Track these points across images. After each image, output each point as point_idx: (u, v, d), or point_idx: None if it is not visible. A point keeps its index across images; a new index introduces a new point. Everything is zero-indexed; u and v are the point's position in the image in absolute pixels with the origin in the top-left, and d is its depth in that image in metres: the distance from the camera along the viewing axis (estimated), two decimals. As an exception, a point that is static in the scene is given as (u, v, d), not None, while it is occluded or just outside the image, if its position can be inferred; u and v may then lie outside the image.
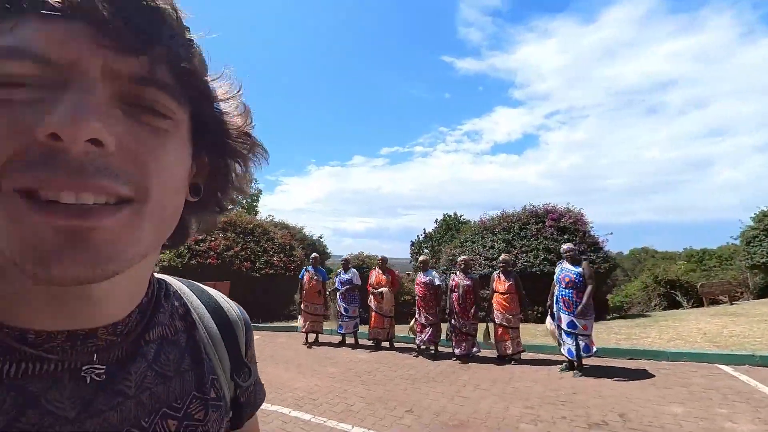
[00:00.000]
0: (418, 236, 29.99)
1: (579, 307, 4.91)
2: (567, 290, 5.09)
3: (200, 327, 0.49)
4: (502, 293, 5.84)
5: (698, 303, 12.59)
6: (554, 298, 5.28)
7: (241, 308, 0.60)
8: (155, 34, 0.30)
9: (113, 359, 0.37)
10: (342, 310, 7.50)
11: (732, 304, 11.82)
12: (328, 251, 34.11)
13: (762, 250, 14.14)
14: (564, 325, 5.05)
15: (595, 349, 5.03)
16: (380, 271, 7.35)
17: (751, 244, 14.56)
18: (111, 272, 0.30)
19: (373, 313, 7.17)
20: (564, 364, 5.24)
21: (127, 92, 0.31)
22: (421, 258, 7.07)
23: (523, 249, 11.03)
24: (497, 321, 5.80)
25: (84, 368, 0.34)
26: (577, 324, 4.94)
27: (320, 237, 32.84)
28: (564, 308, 5.07)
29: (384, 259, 7.51)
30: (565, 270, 5.21)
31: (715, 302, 12.22)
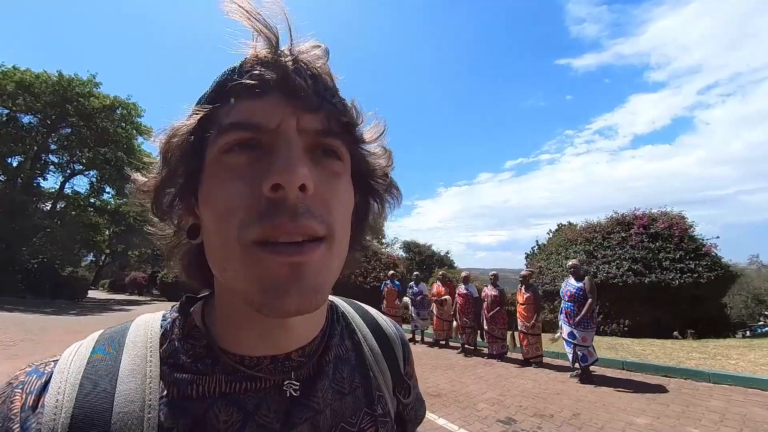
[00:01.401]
0: (532, 248, 28.87)
1: (577, 318, 5.31)
2: (569, 303, 5.51)
3: (365, 345, 0.53)
4: (521, 303, 6.45)
5: None
6: (560, 310, 5.72)
7: (398, 325, 0.63)
8: (325, 96, 0.38)
9: (303, 377, 0.43)
10: (414, 314, 9.09)
11: None
12: (455, 265, 35.24)
13: None
14: (565, 335, 5.49)
15: (595, 359, 5.31)
16: (440, 284, 8.65)
17: None
18: (320, 301, 0.36)
19: (435, 318, 8.51)
20: (576, 371, 5.60)
21: (313, 143, 0.38)
22: (462, 274, 8.06)
23: (605, 259, 10.52)
24: (519, 328, 6.42)
25: (285, 383, 0.41)
26: (576, 335, 5.34)
27: (447, 252, 34.48)
28: (565, 319, 5.51)
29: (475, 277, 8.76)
30: (568, 284, 5.62)
31: None
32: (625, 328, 9.67)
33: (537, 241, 28.74)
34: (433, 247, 33.52)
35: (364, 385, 0.49)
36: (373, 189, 0.48)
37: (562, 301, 5.68)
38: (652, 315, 9.49)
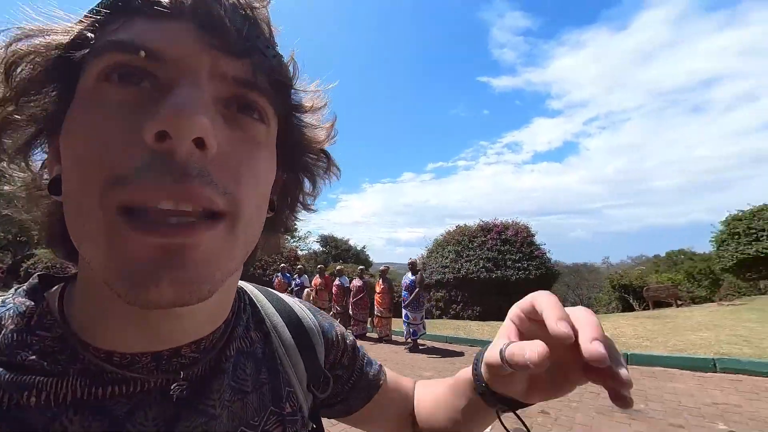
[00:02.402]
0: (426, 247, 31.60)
1: (407, 301, 6.91)
2: (405, 292, 7.10)
3: (275, 336, 0.45)
4: (378, 293, 7.93)
5: (649, 306, 13.05)
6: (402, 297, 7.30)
7: (323, 314, 0.55)
8: (256, 41, 0.30)
9: (196, 376, 0.34)
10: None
11: (678, 306, 12.21)
12: (371, 260, 36.78)
13: (729, 254, 14.08)
14: (402, 316, 7.07)
15: (422, 333, 6.96)
16: (318, 276, 9.77)
17: (721, 248, 14.50)
18: (206, 293, 0.28)
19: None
20: (408, 343, 7.19)
21: (229, 95, 0.30)
22: (337, 268, 9.40)
23: (468, 258, 12.69)
24: (375, 313, 7.90)
25: (172, 387, 0.32)
26: (409, 315, 6.92)
27: (363, 247, 35.80)
28: (403, 304, 7.08)
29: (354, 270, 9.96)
30: (406, 277, 7.22)
31: (660, 305, 12.62)
32: (477, 314, 11.86)
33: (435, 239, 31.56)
34: (351, 242, 34.61)
35: (272, 381, 0.41)
36: (305, 165, 0.41)
37: (402, 290, 7.26)
38: (496, 304, 11.81)
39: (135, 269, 0.25)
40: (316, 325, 0.52)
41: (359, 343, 0.60)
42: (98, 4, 0.29)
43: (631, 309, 13.38)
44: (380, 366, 0.60)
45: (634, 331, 7.73)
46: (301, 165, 0.42)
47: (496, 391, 0.42)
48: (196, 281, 0.27)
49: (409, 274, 7.20)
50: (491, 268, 12.03)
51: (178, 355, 0.34)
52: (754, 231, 13.59)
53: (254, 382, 0.39)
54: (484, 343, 0.48)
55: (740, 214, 14.61)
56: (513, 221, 13.40)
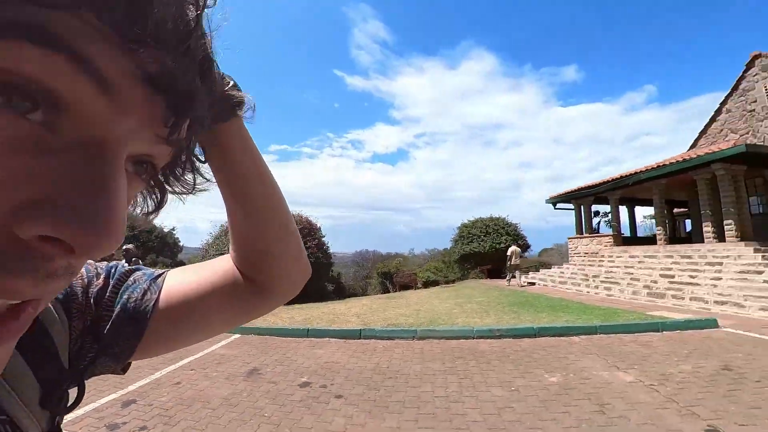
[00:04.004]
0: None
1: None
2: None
3: None
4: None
5: (403, 288, 16.29)
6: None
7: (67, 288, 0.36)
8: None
9: None
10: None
11: (416, 289, 15.67)
12: (180, 244, 32.53)
13: (457, 250, 18.83)
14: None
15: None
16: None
17: (455, 245, 19.22)
18: None
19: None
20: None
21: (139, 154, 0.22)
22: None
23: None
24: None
25: None
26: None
27: (172, 229, 31.15)
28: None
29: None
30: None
31: (406, 287, 16.00)
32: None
33: (221, 226, 30.43)
34: (161, 226, 29.92)
35: None
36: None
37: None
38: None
39: None
40: (55, 308, 0.34)
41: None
42: None
43: (387, 291, 16.22)
44: (151, 280, 0.41)
45: (349, 310, 9.40)
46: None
47: None
48: None
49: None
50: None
51: None
52: (470, 235, 18.56)
53: None
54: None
55: (468, 222, 19.66)
56: (297, 213, 14.22)
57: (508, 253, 13.55)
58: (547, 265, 17.94)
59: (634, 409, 3.05)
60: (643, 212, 25.42)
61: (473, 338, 5.73)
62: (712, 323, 5.82)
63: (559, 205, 16.93)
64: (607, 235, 13.90)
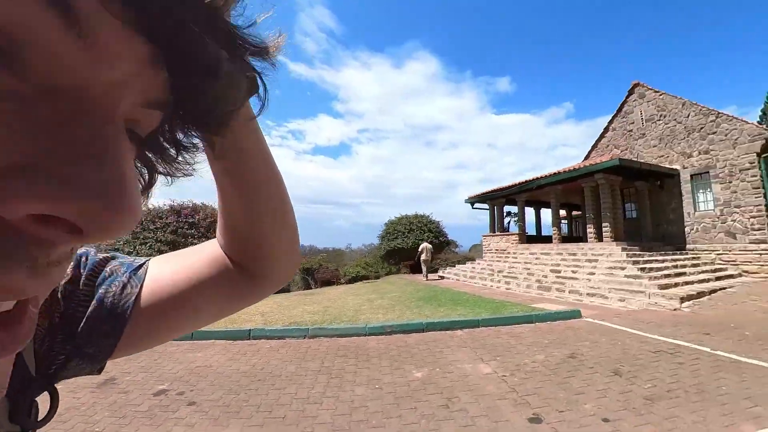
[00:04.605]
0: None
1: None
2: None
3: None
4: None
5: (325, 284, 16.01)
6: None
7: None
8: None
9: None
10: None
11: (337, 285, 15.52)
12: None
13: (384, 246, 19.07)
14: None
15: None
16: None
17: (383, 242, 19.42)
18: None
19: None
20: None
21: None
22: None
23: (143, 240, 11.49)
24: None
25: None
26: None
27: None
28: None
29: None
30: None
31: (328, 283, 15.80)
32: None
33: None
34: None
35: None
36: None
37: None
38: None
39: None
40: None
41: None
42: None
43: (309, 287, 15.82)
44: (130, 272, 0.36)
45: (256, 308, 8.94)
46: None
47: None
48: None
49: None
50: (164, 251, 11.28)
51: None
52: (395, 232, 18.88)
53: None
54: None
55: (394, 219, 19.96)
56: (202, 203, 13.13)
57: (420, 249, 14.01)
58: (474, 260, 18.96)
59: (477, 401, 3.17)
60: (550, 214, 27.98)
61: (365, 335, 5.69)
62: (576, 314, 6.47)
63: (476, 205, 17.94)
64: (514, 234, 15.03)
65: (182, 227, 12.01)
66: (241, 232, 0.39)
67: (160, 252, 11.77)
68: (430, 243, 18.25)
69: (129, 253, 10.04)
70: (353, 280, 18.06)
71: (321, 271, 14.96)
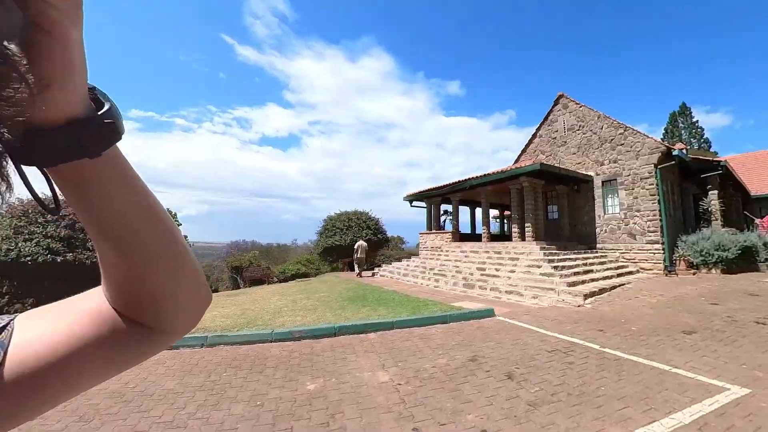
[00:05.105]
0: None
1: None
2: None
3: None
4: None
5: (256, 284, 15.11)
6: None
7: None
8: None
9: None
10: None
11: (269, 284, 14.74)
12: None
13: (321, 243, 18.48)
14: None
15: None
16: None
17: (320, 238, 18.80)
18: None
19: None
20: None
21: None
22: None
23: (29, 236, 9.85)
24: None
25: None
26: None
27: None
28: None
29: None
30: None
31: (259, 282, 14.98)
32: (29, 306, 9.33)
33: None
34: None
35: None
36: None
37: None
38: (67, 291, 9.77)
39: None
40: None
41: None
42: None
43: (238, 287, 14.81)
44: None
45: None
46: None
47: None
48: None
49: None
50: (60, 250, 9.78)
51: None
52: (333, 228, 18.41)
53: None
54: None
55: (333, 215, 19.45)
56: None
57: (355, 246, 13.76)
58: (410, 258, 19.04)
59: (360, 416, 2.92)
60: (493, 213, 29.18)
61: (270, 342, 5.24)
62: (489, 313, 6.59)
63: (414, 203, 18.07)
64: (448, 232, 15.35)
65: (77, 221, 10.51)
66: (126, 285, 0.33)
67: (50, 250, 10.13)
68: (369, 240, 18.08)
69: (8, 251, 8.56)
70: (293, 277, 17.31)
71: (251, 269, 14.05)
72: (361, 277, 13.66)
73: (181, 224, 23.05)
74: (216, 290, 14.22)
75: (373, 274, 14.60)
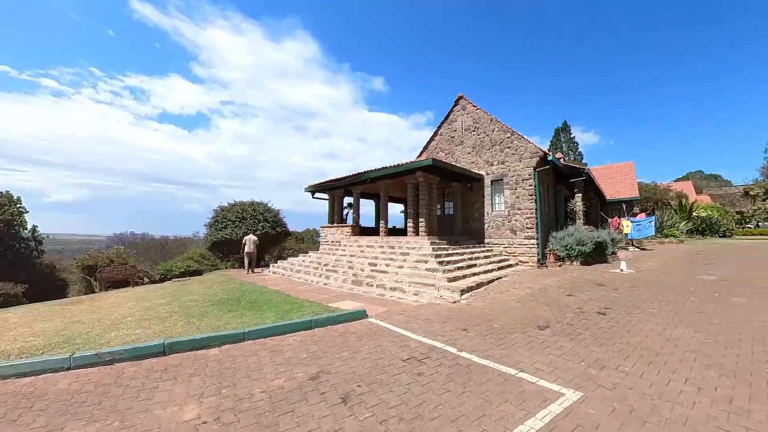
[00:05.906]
0: None
1: None
2: None
3: None
4: None
5: (117, 286, 12.68)
6: None
7: None
8: None
9: None
10: None
11: (134, 286, 12.51)
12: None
13: (210, 237, 16.48)
14: None
15: None
16: None
17: (209, 231, 16.72)
18: None
19: None
20: None
21: None
22: None
23: None
24: None
25: None
26: None
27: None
28: None
29: None
30: None
31: (123, 284, 12.66)
32: None
33: None
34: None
35: None
36: None
37: None
38: None
39: None
40: None
41: None
42: None
43: (93, 291, 12.23)
44: None
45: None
46: None
47: None
48: None
49: None
50: None
51: None
52: (225, 220, 16.55)
53: None
54: None
55: (225, 206, 17.50)
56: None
57: (243, 240, 12.45)
58: (307, 252, 18.07)
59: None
60: (399, 208, 29.60)
61: (65, 369, 4.00)
62: (361, 314, 6.19)
63: (317, 195, 17.19)
64: (348, 226, 14.87)
65: None
66: None
67: None
68: (267, 234, 16.66)
69: None
70: (182, 275, 15.03)
71: (110, 269, 11.67)
72: (252, 273, 12.38)
73: (27, 212, 18.47)
74: (65, 295, 11.50)
75: (262, 271, 13.41)
